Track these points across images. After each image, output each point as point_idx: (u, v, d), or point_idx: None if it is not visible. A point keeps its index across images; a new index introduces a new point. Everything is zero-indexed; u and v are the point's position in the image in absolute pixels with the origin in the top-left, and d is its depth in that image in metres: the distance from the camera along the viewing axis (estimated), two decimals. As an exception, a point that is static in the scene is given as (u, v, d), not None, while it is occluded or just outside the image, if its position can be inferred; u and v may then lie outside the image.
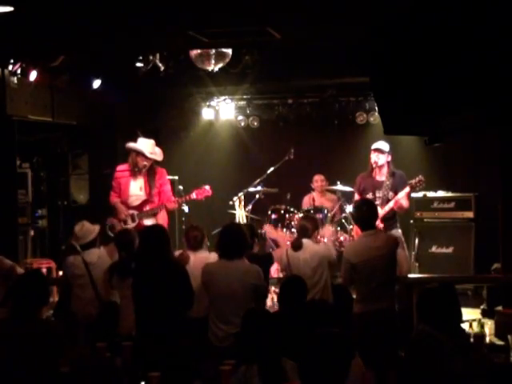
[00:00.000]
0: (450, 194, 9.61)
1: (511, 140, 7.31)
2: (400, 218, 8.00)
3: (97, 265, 6.34)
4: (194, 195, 8.12)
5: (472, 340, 4.68)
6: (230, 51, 8.62)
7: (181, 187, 9.22)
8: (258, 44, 7.98)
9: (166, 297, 5.33)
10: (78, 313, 6.28)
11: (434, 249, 9.44)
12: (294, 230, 8.56)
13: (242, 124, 11.16)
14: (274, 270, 7.84)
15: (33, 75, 8.58)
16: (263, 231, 8.90)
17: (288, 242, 7.79)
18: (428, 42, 4.13)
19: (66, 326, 5.79)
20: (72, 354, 4.40)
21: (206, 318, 5.62)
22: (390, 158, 7.99)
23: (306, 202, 9.75)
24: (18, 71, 8.49)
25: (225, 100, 11.18)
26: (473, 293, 8.86)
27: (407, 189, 7.73)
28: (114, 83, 9.66)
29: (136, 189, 8.09)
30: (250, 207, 9.66)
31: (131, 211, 8.03)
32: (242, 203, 9.64)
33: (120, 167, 8.23)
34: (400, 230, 7.88)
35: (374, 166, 7.94)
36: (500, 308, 7.07)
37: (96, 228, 6.57)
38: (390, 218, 7.74)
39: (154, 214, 8.00)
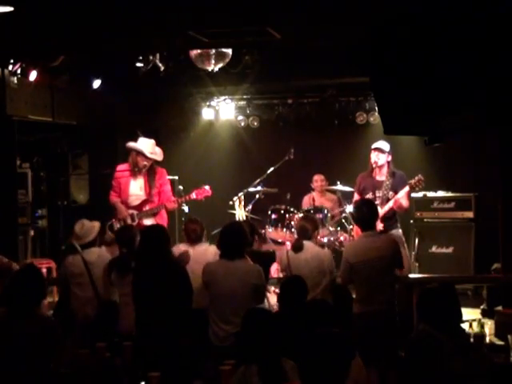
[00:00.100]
0: (450, 194, 9.61)
1: (511, 140, 7.31)
2: (400, 218, 7.99)
3: (96, 264, 6.32)
4: (193, 195, 8.12)
5: (472, 340, 4.68)
6: (229, 51, 8.62)
7: (181, 187, 9.22)
8: (258, 44, 7.98)
9: (166, 296, 5.33)
10: (77, 312, 6.27)
11: (434, 249, 9.43)
12: (293, 230, 8.56)
13: (242, 124, 11.16)
14: (274, 270, 7.84)
15: (33, 75, 8.58)
16: (263, 231, 8.93)
17: (288, 242, 7.82)
18: (428, 42, 4.13)
19: (65, 325, 5.81)
20: (70, 354, 4.40)
21: (206, 309, 5.63)
22: (390, 158, 7.99)
23: (306, 202, 9.75)
24: (18, 71, 8.49)
25: (225, 100, 11.18)
26: (473, 293, 8.85)
27: (407, 188, 7.73)
28: (114, 83, 9.66)
29: (136, 188, 8.10)
30: (250, 207, 9.65)
31: (131, 211, 8.03)
32: (242, 203, 9.64)
33: (120, 167, 8.23)
34: (400, 230, 7.88)
35: (374, 165, 7.94)
36: (500, 308, 7.07)
37: (96, 226, 6.55)
38: (390, 218, 7.73)
39: (153, 214, 8.01)
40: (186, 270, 5.59)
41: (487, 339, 6.02)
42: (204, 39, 6.78)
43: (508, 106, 4.02)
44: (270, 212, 9.15)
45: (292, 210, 9.05)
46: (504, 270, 7.42)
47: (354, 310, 5.80)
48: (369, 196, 7.82)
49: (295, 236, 7.91)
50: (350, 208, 8.61)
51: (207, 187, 8.15)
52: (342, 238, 8.83)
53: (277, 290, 7.11)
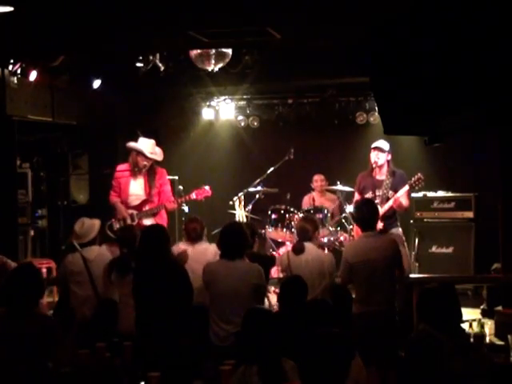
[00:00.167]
0: (450, 194, 9.61)
1: (511, 140, 7.31)
2: (400, 218, 8.00)
3: (95, 262, 6.30)
4: (193, 195, 8.13)
5: (472, 340, 4.68)
6: (229, 51, 8.62)
7: (181, 187, 9.22)
8: (258, 44, 7.97)
9: (166, 296, 5.33)
10: (76, 311, 6.26)
11: (434, 249, 9.43)
12: (293, 230, 8.56)
13: (242, 124, 11.16)
14: (274, 271, 7.84)
15: (33, 75, 8.58)
16: (263, 231, 8.93)
17: (288, 242, 7.81)
18: (428, 42, 4.13)
19: (64, 324, 5.81)
20: (70, 353, 4.40)
21: (207, 306, 5.64)
22: (389, 157, 7.99)
23: (306, 202, 9.75)
24: (18, 71, 8.49)
25: (225, 100, 11.18)
26: (473, 293, 8.85)
27: (406, 187, 7.74)
28: (114, 83, 9.67)
29: (136, 188, 8.10)
30: (249, 207, 9.65)
31: (130, 211, 8.04)
32: (242, 203, 9.64)
33: (120, 167, 8.24)
34: (400, 229, 7.88)
35: (374, 165, 7.94)
36: (500, 308, 7.06)
37: (96, 224, 6.53)
38: (390, 217, 7.74)
39: (153, 214, 8.01)
40: (185, 270, 5.59)
41: (487, 339, 6.01)
42: (204, 39, 6.78)
43: (508, 105, 4.02)
44: (270, 212, 9.15)
45: (292, 210, 9.05)
46: (504, 269, 7.42)
47: (353, 310, 5.80)
48: (369, 195, 7.82)
49: (295, 236, 7.92)
50: (350, 208, 8.62)
51: (207, 187, 8.15)
52: (341, 238, 8.83)
53: (277, 290, 7.12)
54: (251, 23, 6.33)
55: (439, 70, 4.08)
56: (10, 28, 6.26)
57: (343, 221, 9.12)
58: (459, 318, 4.38)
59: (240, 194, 9.63)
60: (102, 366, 4.15)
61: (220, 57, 8.61)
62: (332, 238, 8.78)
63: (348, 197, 8.94)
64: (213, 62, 8.61)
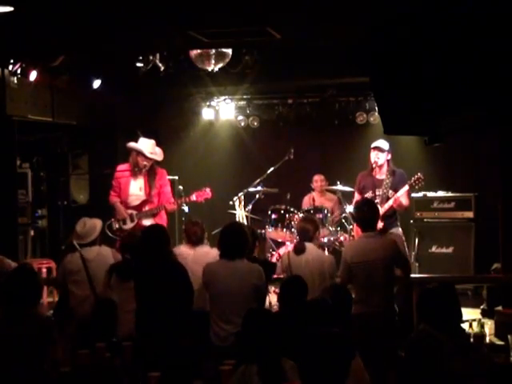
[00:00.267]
0: (450, 194, 9.61)
1: (511, 140, 7.31)
2: (400, 218, 8.00)
3: (94, 262, 6.29)
4: (193, 197, 8.13)
5: (472, 340, 4.68)
6: (229, 51, 8.62)
7: (181, 187, 9.21)
8: (258, 44, 7.97)
9: (166, 296, 5.33)
10: (75, 311, 6.25)
11: (434, 249, 9.43)
12: (294, 230, 8.56)
13: (242, 124, 11.16)
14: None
15: (33, 75, 8.58)
16: (263, 231, 8.92)
17: (288, 243, 7.79)
18: (428, 42, 4.13)
19: (64, 324, 5.80)
20: (69, 353, 4.40)
21: (206, 311, 5.64)
22: (389, 157, 8.00)
23: (306, 202, 9.75)
24: (18, 71, 8.49)
25: (225, 100, 11.17)
26: (473, 293, 8.86)
27: (406, 187, 7.74)
28: (114, 83, 9.67)
29: (136, 189, 8.10)
30: (249, 207, 9.65)
31: (130, 211, 8.04)
32: (242, 203, 9.63)
33: (121, 167, 8.24)
34: (400, 229, 7.89)
35: (374, 165, 7.94)
36: (500, 308, 7.06)
37: (98, 225, 6.52)
38: (390, 216, 7.74)
39: (153, 215, 8.01)
40: (186, 270, 5.58)
41: (487, 339, 6.01)
42: (204, 39, 6.78)
43: (508, 105, 4.02)
44: (270, 212, 9.15)
45: (292, 210, 9.05)
46: (504, 270, 7.42)
47: (352, 310, 5.79)
48: (369, 195, 7.82)
49: (295, 236, 7.92)
50: (350, 208, 8.62)
51: (208, 189, 8.15)
52: (342, 238, 8.83)
53: (277, 290, 7.12)
54: (251, 23, 6.33)
55: (439, 70, 4.08)
56: (10, 28, 6.26)
57: (343, 221, 9.12)
58: (459, 318, 4.38)
59: (240, 194, 9.62)
60: (101, 365, 4.15)
61: (220, 57, 8.61)
62: (332, 238, 8.77)
63: (348, 197, 8.94)
64: (213, 61, 8.61)
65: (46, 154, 11.18)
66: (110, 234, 7.76)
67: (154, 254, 5.45)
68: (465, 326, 5.50)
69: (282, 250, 8.65)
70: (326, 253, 7.95)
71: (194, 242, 6.46)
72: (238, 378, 3.90)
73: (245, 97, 10.93)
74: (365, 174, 8.07)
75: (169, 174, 8.48)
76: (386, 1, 5.05)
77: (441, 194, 9.65)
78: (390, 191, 7.79)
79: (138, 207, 8.05)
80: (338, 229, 9.03)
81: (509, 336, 5.26)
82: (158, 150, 8.23)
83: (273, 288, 7.66)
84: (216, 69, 8.75)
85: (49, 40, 7.01)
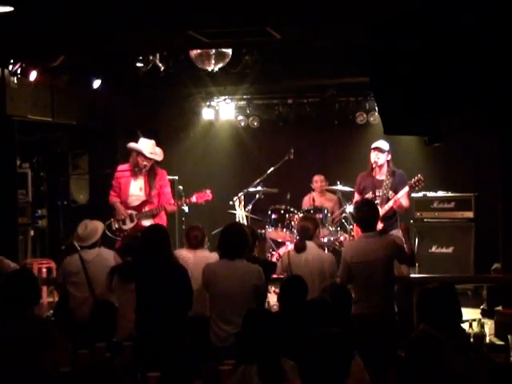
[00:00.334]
0: (450, 194, 9.61)
1: (511, 140, 7.31)
2: (400, 218, 7.99)
3: (93, 263, 6.28)
4: (194, 199, 8.12)
5: (472, 340, 4.68)
6: (229, 51, 8.62)
7: (180, 187, 9.22)
8: (258, 44, 7.97)
9: (166, 297, 5.33)
10: (74, 311, 6.25)
11: (434, 249, 9.43)
12: (294, 230, 8.56)
13: (242, 124, 11.17)
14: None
15: (33, 75, 8.58)
16: (263, 231, 8.92)
17: (288, 243, 7.79)
18: (428, 42, 4.13)
19: (63, 325, 5.80)
20: (69, 354, 4.40)
21: (208, 316, 5.63)
22: (389, 157, 7.98)
23: (306, 202, 9.75)
24: (18, 71, 8.49)
25: (225, 100, 11.18)
26: (473, 293, 8.86)
27: (406, 188, 7.73)
28: (114, 83, 9.67)
29: (136, 189, 8.10)
30: (249, 207, 9.65)
31: (130, 211, 8.03)
32: (242, 203, 9.63)
33: (121, 167, 8.24)
34: (401, 231, 7.86)
35: (374, 165, 7.94)
36: (500, 308, 7.07)
37: (99, 228, 6.51)
38: (391, 218, 7.73)
39: (152, 215, 8.00)
40: (186, 270, 5.58)
41: (487, 339, 6.01)
42: (204, 39, 6.77)
43: (508, 105, 4.02)
44: (269, 212, 9.14)
45: (292, 210, 9.05)
46: (504, 270, 7.42)
47: (352, 310, 5.79)
48: (369, 195, 7.81)
49: (295, 236, 7.92)
50: (350, 208, 8.61)
51: (208, 191, 8.14)
52: (342, 238, 8.83)
53: (277, 290, 7.11)
54: (251, 23, 6.33)
55: (439, 70, 4.08)
56: (10, 28, 6.26)
57: (343, 221, 9.12)
58: (459, 318, 4.38)
59: (240, 194, 9.62)
60: (101, 366, 4.15)
61: (220, 57, 8.62)
62: (332, 238, 8.77)
63: (348, 197, 8.94)
64: (213, 61, 8.61)
65: (46, 154, 11.17)
66: (109, 234, 7.75)
67: (154, 254, 5.45)
68: (465, 326, 5.50)
69: (281, 250, 8.64)
70: (326, 251, 7.94)
71: (195, 245, 6.47)
72: (238, 378, 3.90)
73: (245, 97, 10.93)
74: (365, 175, 8.06)
75: (169, 174, 8.48)
76: (385, 1, 5.05)
77: (441, 194, 9.65)
78: (390, 192, 7.78)
79: (138, 207, 8.04)
80: (338, 229, 9.03)
81: (509, 336, 5.26)
82: (158, 150, 8.23)
83: (273, 288, 7.66)
84: (216, 69, 8.75)
85: (49, 40, 7.01)
